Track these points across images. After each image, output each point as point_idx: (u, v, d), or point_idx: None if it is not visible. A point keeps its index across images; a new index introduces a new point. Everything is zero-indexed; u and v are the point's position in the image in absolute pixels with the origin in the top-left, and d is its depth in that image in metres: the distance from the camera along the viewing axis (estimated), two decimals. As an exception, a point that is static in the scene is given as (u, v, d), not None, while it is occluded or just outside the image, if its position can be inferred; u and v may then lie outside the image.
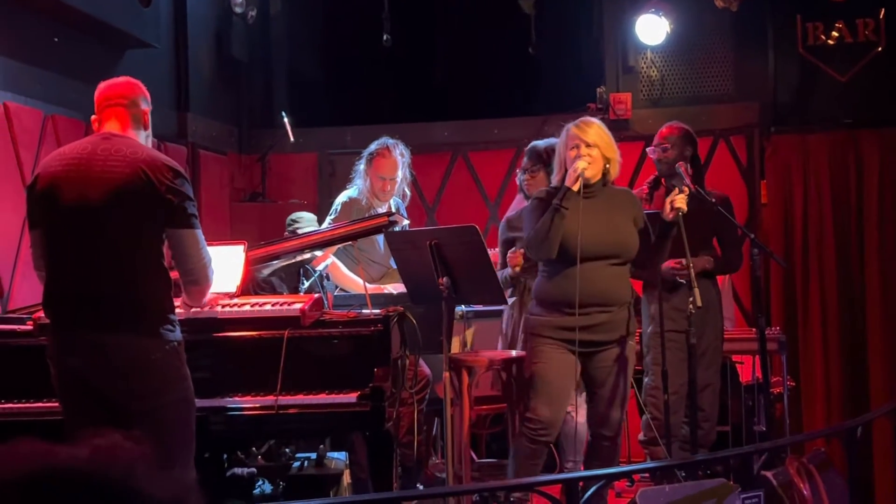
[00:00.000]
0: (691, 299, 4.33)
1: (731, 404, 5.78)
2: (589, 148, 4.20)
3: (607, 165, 4.25)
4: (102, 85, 3.53)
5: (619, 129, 6.98)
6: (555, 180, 4.34)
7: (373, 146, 5.35)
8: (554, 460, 4.90)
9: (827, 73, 6.93)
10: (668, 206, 4.23)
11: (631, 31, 7.06)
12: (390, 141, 5.35)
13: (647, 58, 7.23)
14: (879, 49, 6.83)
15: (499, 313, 5.26)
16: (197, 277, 3.45)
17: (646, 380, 5.14)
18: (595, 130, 4.24)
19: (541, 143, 5.07)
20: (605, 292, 4.18)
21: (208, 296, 3.69)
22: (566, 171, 4.22)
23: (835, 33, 6.88)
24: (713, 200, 4.96)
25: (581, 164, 4.15)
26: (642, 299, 5.18)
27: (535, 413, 4.21)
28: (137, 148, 3.40)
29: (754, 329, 5.33)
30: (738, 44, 7.13)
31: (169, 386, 3.36)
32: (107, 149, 3.36)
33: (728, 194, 5.42)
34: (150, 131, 3.57)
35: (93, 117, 3.55)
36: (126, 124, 3.46)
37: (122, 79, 3.57)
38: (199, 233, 3.43)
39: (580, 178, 4.12)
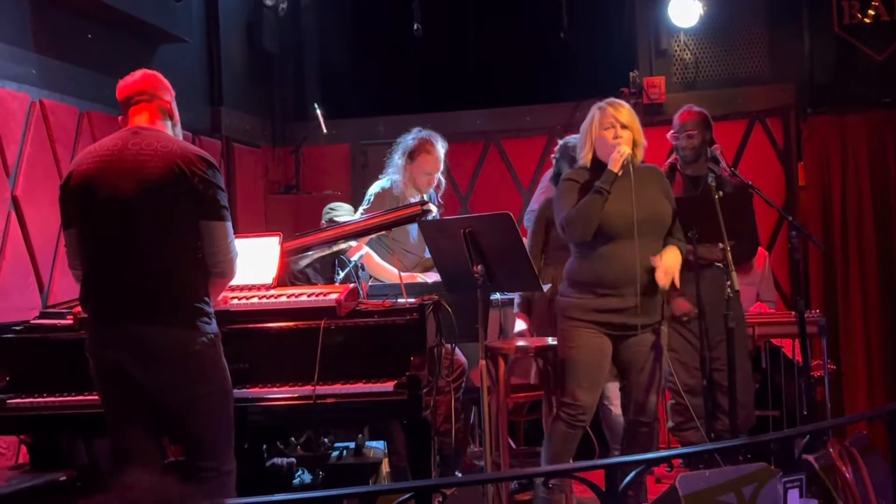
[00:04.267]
0: (729, 283, 4.30)
1: (785, 386, 5.72)
2: (624, 129, 4.20)
3: (634, 149, 4.24)
4: (121, 84, 3.53)
5: (652, 113, 6.93)
6: (581, 158, 4.32)
7: (411, 140, 5.25)
8: (593, 446, 4.88)
9: (863, 52, 6.84)
10: (615, 154, 4.15)
11: (663, 13, 7.00)
12: (431, 134, 5.25)
13: (680, 40, 7.16)
14: (917, 27, 6.73)
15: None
16: (224, 269, 3.46)
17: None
18: (628, 112, 4.26)
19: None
20: (640, 274, 4.14)
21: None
22: (594, 150, 4.22)
23: (871, 11, 6.78)
24: (751, 183, 4.90)
25: (626, 149, 4.16)
26: None
27: (574, 398, 4.20)
28: (168, 141, 3.42)
29: (794, 312, 5.28)
30: (773, 24, 7.05)
31: (207, 378, 3.38)
32: (137, 143, 3.38)
33: (763, 178, 5.33)
34: (177, 120, 3.56)
35: (119, 118, 3.56)
36: (154, 117, 3.48)
37: (137, 74, 3.55)
38: (229, 225, 3.44)
39: (625, 162, 4.12)
